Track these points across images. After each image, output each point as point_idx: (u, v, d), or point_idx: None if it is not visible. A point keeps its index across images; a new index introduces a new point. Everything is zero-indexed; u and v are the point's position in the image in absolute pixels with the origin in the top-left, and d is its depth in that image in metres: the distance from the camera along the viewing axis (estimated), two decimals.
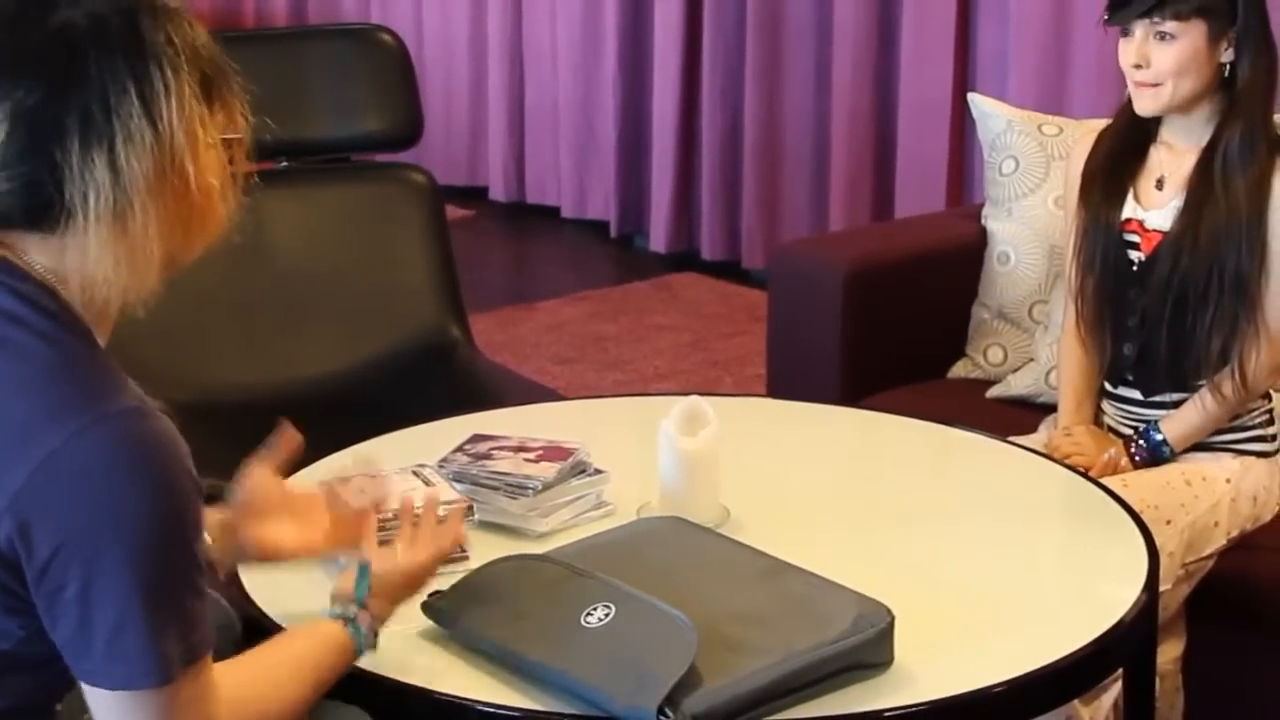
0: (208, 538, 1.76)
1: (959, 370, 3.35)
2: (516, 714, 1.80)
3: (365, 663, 1.85)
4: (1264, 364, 2.65)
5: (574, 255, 6.23)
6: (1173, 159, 2.70)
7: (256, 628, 1.94)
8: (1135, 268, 2.70)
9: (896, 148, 5.18)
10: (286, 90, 3.34)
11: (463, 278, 3.53)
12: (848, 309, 3.25)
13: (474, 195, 6.74)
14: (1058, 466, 2.57)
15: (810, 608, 1.88)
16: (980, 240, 3.34)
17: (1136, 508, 2.36)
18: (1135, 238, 2.71)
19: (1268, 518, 2.74)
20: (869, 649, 1.84)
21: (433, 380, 3.27)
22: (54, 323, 1.54)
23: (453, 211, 4.86)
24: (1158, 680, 2.47)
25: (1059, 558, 2.34)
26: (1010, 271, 3.29)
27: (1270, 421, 2.75)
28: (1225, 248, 2.61)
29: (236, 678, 1.62)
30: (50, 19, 1.52)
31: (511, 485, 2.24)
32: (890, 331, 3.32)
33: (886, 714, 1.80)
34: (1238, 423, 2.71)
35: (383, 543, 1.91)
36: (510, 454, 2.31)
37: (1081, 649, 1.94)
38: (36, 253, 1.55)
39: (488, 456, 2.31)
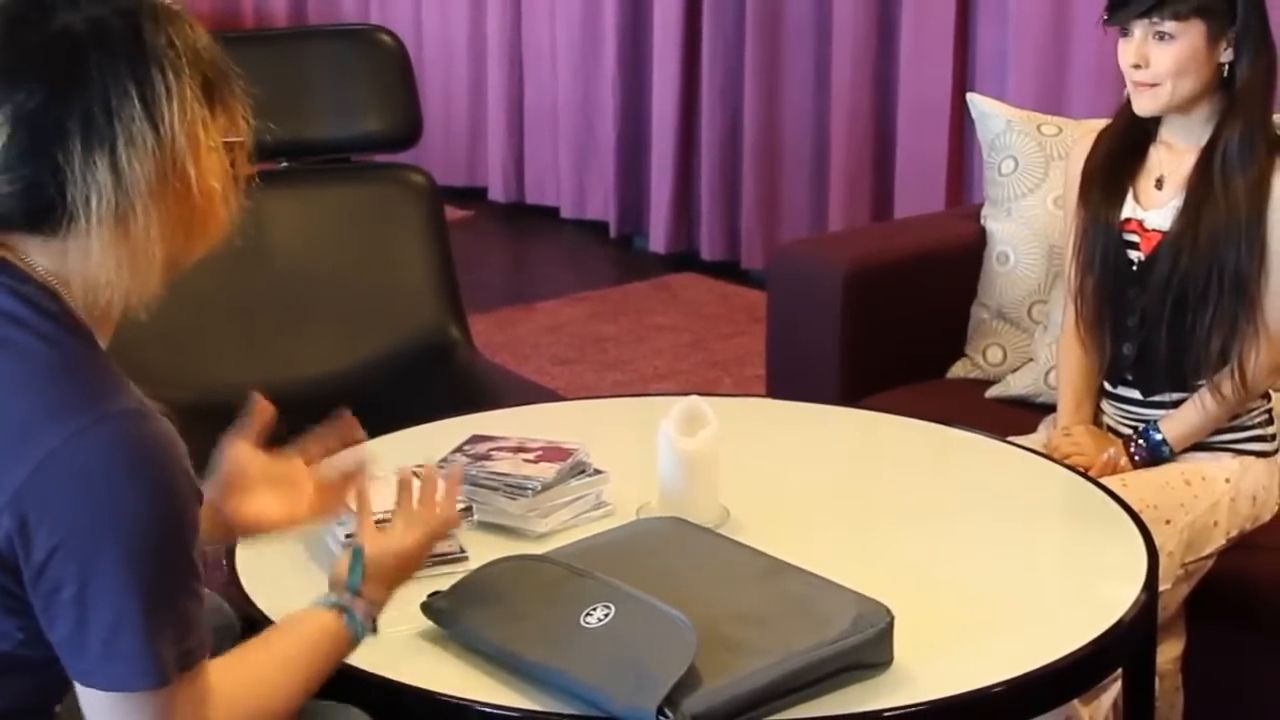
0: None
1: (958, 370, 3.35)
2: (516, 714, 1.80)
3: (365, 663, 1.85)
4: (1263, 364, 2.65)
5: (573, 256, 6.22)
6: (1172, 159, 2.70)
7: (256, 629, 1.94)
8: (1135, 267, 2.71)
9: (896, 148, 5.18)
10: (286, 91, 3.34)
11: (462, 278, 3.53)
12: (847, 309, 3.25)
13: (473, 196, 6.74)
14: (1057, 466, 2.57)
15: (809, 608, 1.88)
16: (979, 240, 3.34)
17: (1136, 507, 2.36)
18: (1135, 237, 2.71)
19: (1267, 517, 2.74)
20: (868, 649, 1.84)
21: (432, 381, 3.27)
22: (55, 325, 1.54)
23: (452, 212, 4.86)
24: (1157, 680, 2.47)
25: (1058, 558, 2.34)
26: (1009, 271, 3.29)
27: (1269, 421, 2.76)
28: (1225, 247, 2.61)
29: (231, 675, 1.60)
30: (51, 22, 1.52)
31: (511, 486, 2.24)
32: (889, 331, 3.32)
33: (886, 714, 1.81)
34: (1237, 422, 2.71)
35: (380, 523, 1.88)
36: (509, 454, 2.31)
37: (1081, 649, 1.95)
38: (38, 255, 1.55)
39: (487, 457, 2.31)
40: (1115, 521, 2.31)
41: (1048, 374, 3.12)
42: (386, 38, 3.57)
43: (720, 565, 2.00)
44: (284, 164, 3.41)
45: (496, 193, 6.70)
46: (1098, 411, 2.81)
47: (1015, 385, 3.21)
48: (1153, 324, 2.69)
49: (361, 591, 1.77)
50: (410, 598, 1.98)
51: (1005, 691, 1.86)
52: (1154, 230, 2.69)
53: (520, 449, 2.32)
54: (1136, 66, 2.61)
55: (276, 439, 1.98)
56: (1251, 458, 2.72)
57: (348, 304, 3.38)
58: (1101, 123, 2.84)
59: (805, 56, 5.46)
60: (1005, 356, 3.29)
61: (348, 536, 2.02)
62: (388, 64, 3.52)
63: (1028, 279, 3.27)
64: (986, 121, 3.38)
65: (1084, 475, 2.52)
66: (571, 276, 5.92)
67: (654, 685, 1.72)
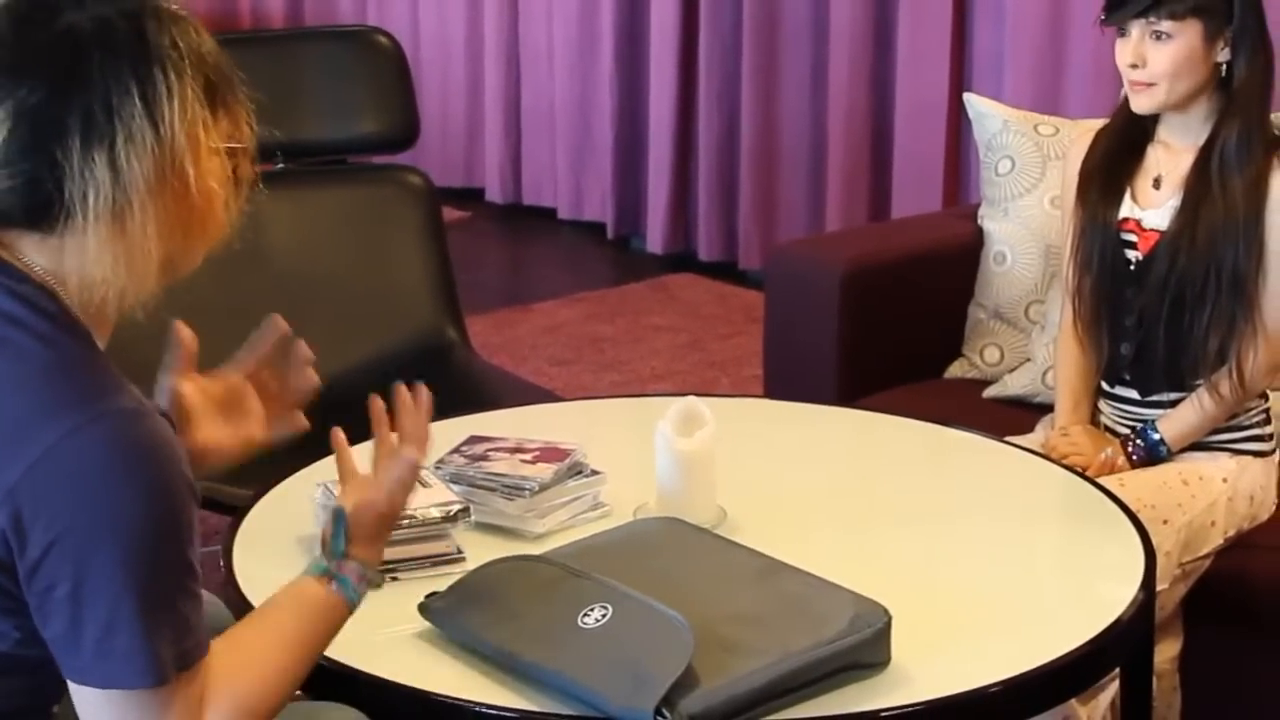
0: None
1: (955, 370, 3.35)
2: (513, 715, 1.80)
3: (362, 663, 1.85)
4: (1261, 363, 2.65)
5: (570, 256, 6.22)
6: (1170, 158, 2.70)
7: None
8: (1132, 267, 2.71)
9: (893, 148, 5.18)
10: (283, 92, 3.33)
11: (459, 279, 3.53)
12: (844, 309, 3.25)
13: (470, 196, 6.74)
14: (1055, 466, 2.57)
15: (807, 608, 1.88)
16: (976, 240, 3.34)
17: (1133, 507, 2.36)
18: (1132, 237, 2.71)
19: (1264, 517, 2.74)
20: (866, 649, 1.84)
21: (429, 382, 3.25)
22: (52, 324, 1.55)
23: (449, 213, 4.86)
24: (1155, 679, 2.47)
25: (1056, 557, 2.34)
26: (1006, 271, 3.29)
27: (1267, 421, 2.76)
28: (1222, 247, 2.61)
29: (223, 657, 1.59)
30: (57, 21, 1.53)
31: (508, 486, 2.24)
32: (887, 332, 3.32)
33: (883, 714, 1.80)
34: (1235, 422, 2.71)
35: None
36: (507, 455, 2.31)
37: (1079, 648, 1.95)
38: (35, 254, 1.56)
39: (484, 458, 2.31)
40: (1113, 521, 2.31)
41: (1045, 374, 3.12)
42: (383, 39, 3.57)
43: (717, 565, 2.00)
44: (281, 165, 3.41)
45: (494, 194, 6.69)
46: (1095, 411, 2.81)
47: (1012, 385, 3.21)
48: (1150, 324, 2.69)
49: (350, 553, 1.73)
50: (407, 598, 1.99)
51: (1003, 691, 1.86)
52: (1152, 230, 2.69)
53: (518, 450, 2.32)
54: (1134, 66, 2.61)
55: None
56: (1249, 457, 2.72)
57: (345, 305, 3.38)
58: (1099, 122, 2.84)
59: (802, 57, 5.46)
60: (1002, 356, 3.29)
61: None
62: (385, 65, 3.52)
63: (1025, 279, 3.26)
64: (983, 121, 3.37)
65: (1081, 475, 2.52)
66: (569, 277, 5.92)
67: (651, 686, 1.72)
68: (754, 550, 2.04)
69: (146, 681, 1.50)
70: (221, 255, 1.65)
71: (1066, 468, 2.57)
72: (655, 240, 6.03)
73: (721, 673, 1.76)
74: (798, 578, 1.96)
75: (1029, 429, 2.88)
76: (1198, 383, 2.67)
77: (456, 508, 2.14)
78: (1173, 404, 2.71)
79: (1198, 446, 2.71)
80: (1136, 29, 2.60)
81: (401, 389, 1.87)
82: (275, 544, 2.16)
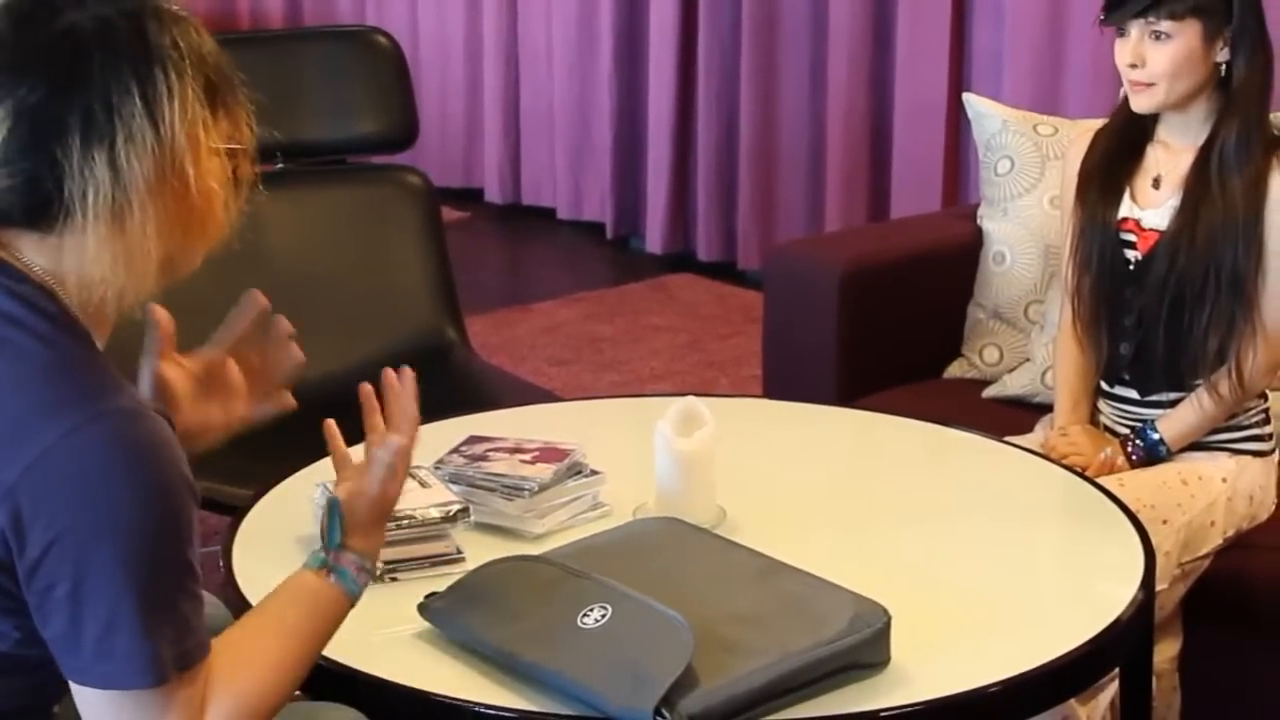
0: None
1: (955, 370, 3.35)
2: (512, 715, 1.80)
3: (361, 664, 1.85)
4: (1261, 363, 2.65)
5: (569, 256, 6.22)
6: (1169, 158, 2.70)
7: None
8: (1132, 267, 2.71)
9: (892, 148, 5.18)
10: (282, 92, 3.33)
11: (458, 279, 3.53)
12: (843, 309, 3.25)
13: (469, 197, 6.74)
14: (1054, 466, 2.57)
15: (806, 608, 1.88)
16: (976, 240, 3.34)
17: (1133, 507, 2.36)
18: (1132, 237, 2.71)
19: (1264, 517, 2.74)
20: (865, 649, 1.84)
21: (428, 382, 3.25)
22: (52, 324, 1.55)
23: (448, 213, 4.85)
24: (1154, 679, 2.47)
25: (1055, 557, 2.34)
26: (1006, 271, 3.29)
27: (1266, 421, 2.76)
28: (1222, 247, 2.61)
29: (223, 655, 1.59)
30: (58, 20, 1.53)
31: (508, 486, 2.24)
32: (886, 332, 3.32)
33: (883, 714, 1.80)
34: (1234, 422, 2.71)
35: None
36: (506, 455, 2.31)
37: (1078, 648, 1.95)
38: (34, 253, 1.56)
39: (484, 458, 2.31)
40: (1112, 521, 2.31)
41: (1044, 374, 3.12)
42: (382, 39, 3.56)
43: (717, 566, 2.00)
44: (280, 165, 3.41)
45: (493, 194, 6.69)
46: (1095, 411, 2.81)
47: (1012, 385, 3.21)
48: (1150, 323, 2.69)
49: (347, 544, 1.73)
50: (407, 598, 1.99)
51: (1002, 691, 1.86)
52: (1151, 230, 2.69)
53: (517, 450, 2.32)
54: (1133, 66, 2.61)
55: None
56: (1248, 457, 2.72)
57: (344, 305, 3.38)
58: (1098, 122, 2.84)
59: (801, 57, 5.46)
60: (1002, 356, 3.29)
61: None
62: (384, 65, 3.51)
63: (1024, 279, 3.26)
64: (982, 121, 3.37)
65: (1081, 475, 2.52)
66: (568, 277, 5.92)
67: (651, 686, 1.72)
68: (753, 550, 2.04)
69: (146, 681, 1.50)
70: (221, 255, 1.65)
71: (1066, 468, 2.57)
72: (654, 240, 6.03)
73: (721, 673, 1.76)
74: (797, 578, 1.96)
75: (1028, 429, 2.88)
76: (1197, 383, 2.67)
77: (456, 508, 2.14)
78: (1172, 404, 2.71)
79: (1197, 446, 2.71)
80: (1136, 29, 2.60)
81: (388, 373, 1.88)
82: (275, 544, 2.16)
